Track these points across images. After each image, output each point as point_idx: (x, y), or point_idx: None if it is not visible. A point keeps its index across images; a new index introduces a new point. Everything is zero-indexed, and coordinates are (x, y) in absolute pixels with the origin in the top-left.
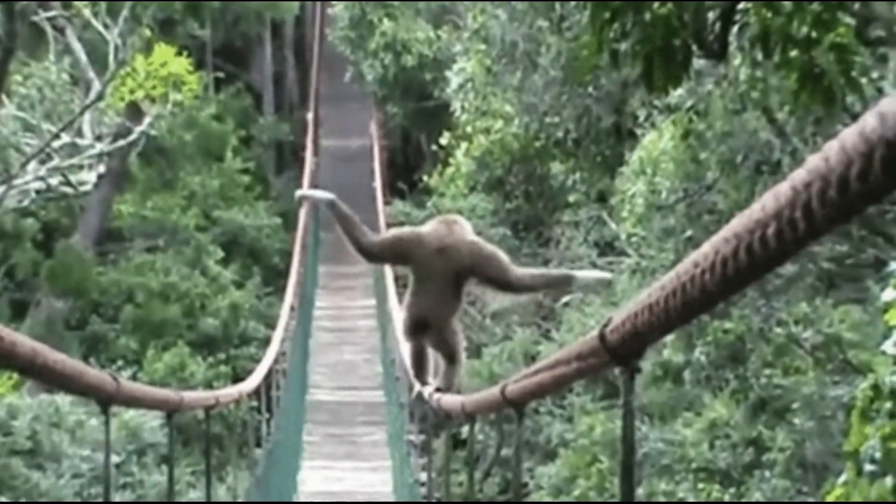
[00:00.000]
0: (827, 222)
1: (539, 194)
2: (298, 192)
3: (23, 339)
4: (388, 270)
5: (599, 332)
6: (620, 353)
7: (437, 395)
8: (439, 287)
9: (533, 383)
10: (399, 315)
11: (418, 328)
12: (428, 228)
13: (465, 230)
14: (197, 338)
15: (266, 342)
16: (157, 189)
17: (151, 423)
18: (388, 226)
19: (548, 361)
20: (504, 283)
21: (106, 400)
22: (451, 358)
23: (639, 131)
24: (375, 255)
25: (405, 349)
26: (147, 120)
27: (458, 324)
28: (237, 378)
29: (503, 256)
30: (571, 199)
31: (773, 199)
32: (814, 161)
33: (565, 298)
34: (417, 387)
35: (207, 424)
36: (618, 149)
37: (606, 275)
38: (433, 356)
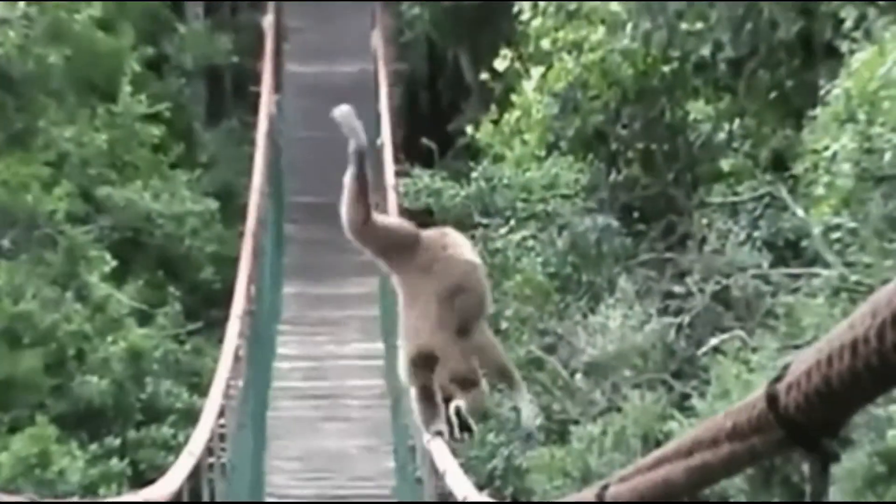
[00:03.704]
0: None
1: (668, 157)
2: (338, 111)
3: None
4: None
5: (767, 390)
6: (802, 425)
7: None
8: (435, 310)
9: (651, 483)
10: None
11: (424, 363)
12: (428, 234)
13: (466, 247)
14: (70, 409)
15: (190, 416)
16: (0, 150)
17: None
18: (404, 213)
19: (677, 444)
20: (463, 331)
21: None
22: (470, 385)
23: (843, 46)
24: (365, 232)
25: (416, 404)
26: None
27: (466, 346)
28: (139, 478)
29: (487, 304)
30: (725, 165)
31: None
32: None
33: (714, 341)
34: (427, 437)
35: None
36: (806, 76)
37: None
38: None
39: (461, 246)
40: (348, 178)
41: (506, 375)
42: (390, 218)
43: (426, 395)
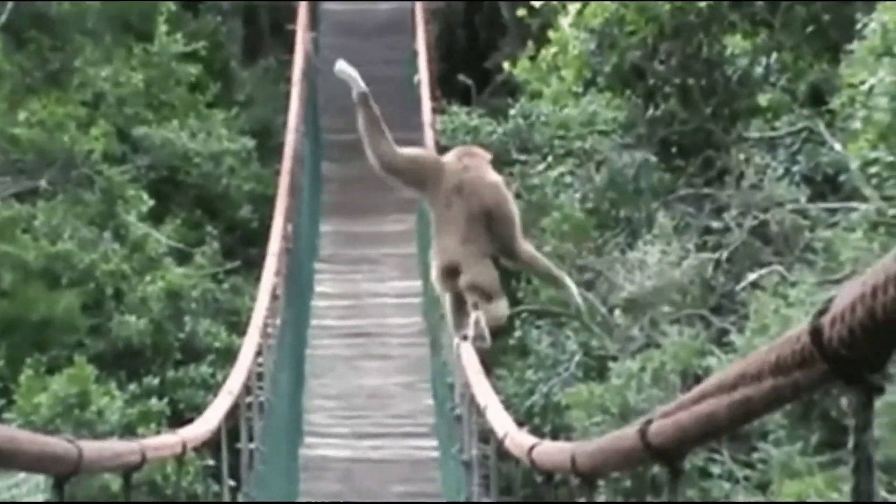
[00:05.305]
0: None
1: (706, 92)
2: (337, 66)
3: None
4: None
5: (810, 323)
6: (847, 359)
7: (527, 442)
8: (463, 227)
9: (694, 418)
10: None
11: (450, 274)
12: (449, 159)
13: (485, 166)
14: (108, 349)
15: (229, 355)
16: (37, 89)
17: (35, 496)
18: (441, 151)
19: (720, 379)
20: (506, 250)
21: None
22: (488, 297)
23: None
24: (393, 168)
25: (447, 310)
26: None
27: (490, 261)
28: (178, 417)
29: (517, 218)
30: (762, 99)
31: None
32: None
33: (752, 276)
34: (456, 340)
35: (127, 496)
36: (843, 10)
37: (577, 299)
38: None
39: (481, 167)
40: (362, 124)
41: (554, 278)
42: (413, 150)
43: (457, 303)
